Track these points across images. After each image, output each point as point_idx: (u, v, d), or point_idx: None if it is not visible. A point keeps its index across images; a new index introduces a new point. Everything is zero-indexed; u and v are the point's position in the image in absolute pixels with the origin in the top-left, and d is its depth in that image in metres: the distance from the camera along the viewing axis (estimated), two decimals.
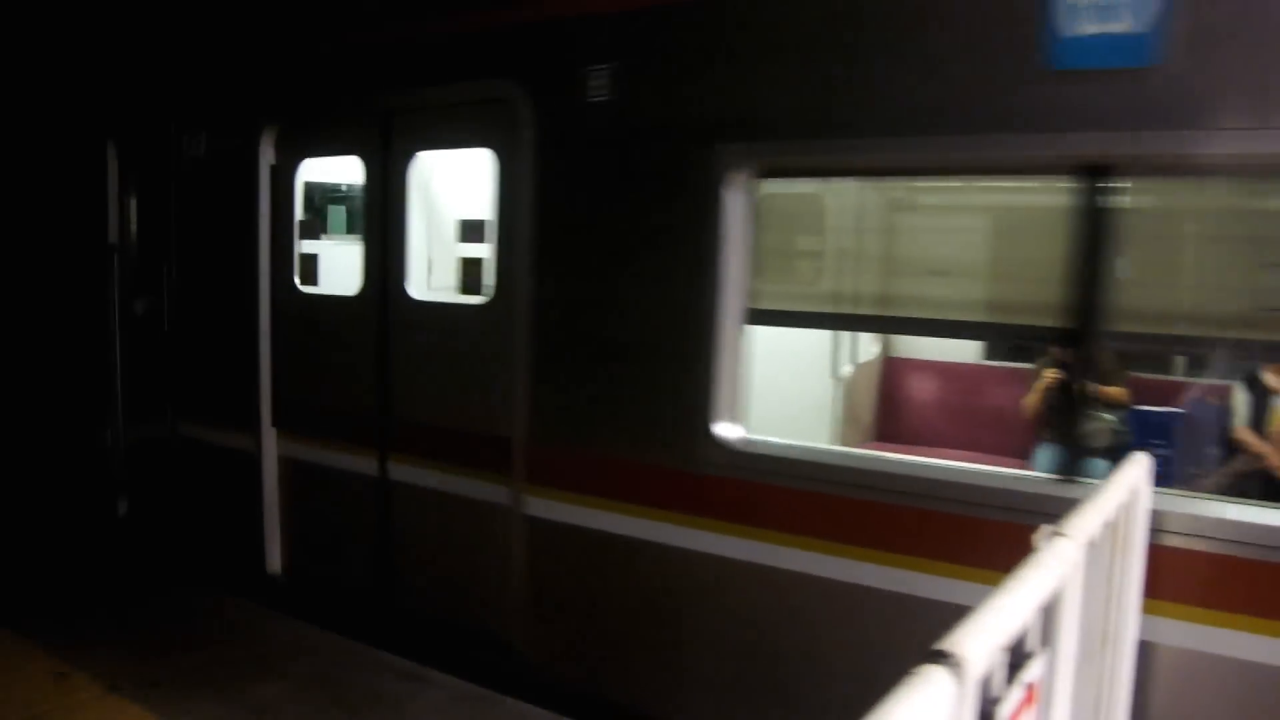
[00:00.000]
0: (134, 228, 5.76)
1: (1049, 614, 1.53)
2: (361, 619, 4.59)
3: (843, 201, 3.30)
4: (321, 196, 5.55)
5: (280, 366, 4.88)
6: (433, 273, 5.20)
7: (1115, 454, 5.03)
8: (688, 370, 3.43)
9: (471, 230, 4.82)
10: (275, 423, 4.93)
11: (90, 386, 5.88)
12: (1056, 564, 1.53)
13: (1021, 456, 5.35)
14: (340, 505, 4.70)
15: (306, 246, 4.90)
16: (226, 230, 5.07)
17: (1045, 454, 5.31)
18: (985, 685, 1.20)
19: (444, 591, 4.32)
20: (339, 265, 5.20)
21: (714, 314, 3.36)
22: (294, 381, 4.87)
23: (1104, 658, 2.08)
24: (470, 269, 4.35)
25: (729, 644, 3.42)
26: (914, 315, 3.22)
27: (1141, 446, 2.77)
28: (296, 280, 4.84)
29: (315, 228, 5.39)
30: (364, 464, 4.56)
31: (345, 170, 5.29)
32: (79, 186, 5.83)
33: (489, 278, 4.07)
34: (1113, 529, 2.02)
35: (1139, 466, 2.26)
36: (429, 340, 4.26)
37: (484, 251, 4.36)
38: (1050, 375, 5.16)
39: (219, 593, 4.95)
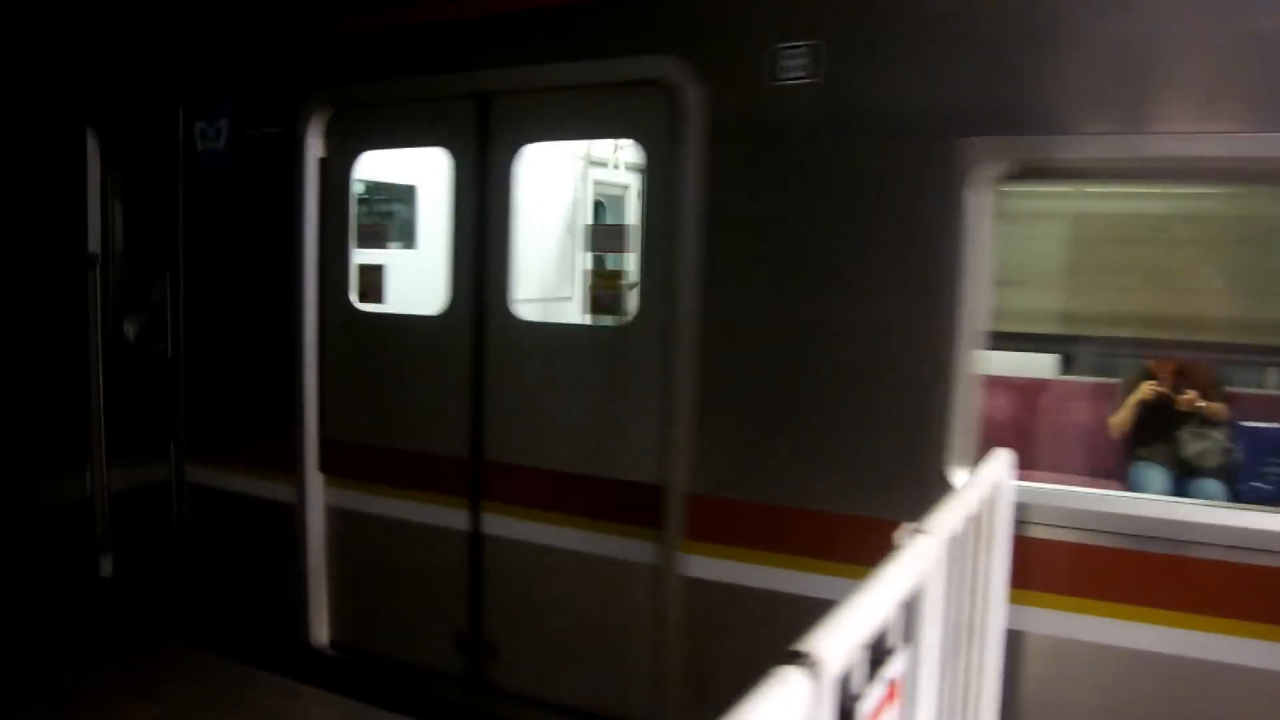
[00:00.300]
0: (120, 234, 4.84)
1: (911, 610, 1.55)
2: (436, 702, 3.86)
3: (1111, 207, 2.82)
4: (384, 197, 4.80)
5: (331, 400, 4.10)
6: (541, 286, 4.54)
7: (1223, 474, 4.77)
8: (916, 405, 2.88)
9: (606, 237, 4.12)
10: (323, 467, 4.14)
11: (63, 424, 4.91)
12: (916, 560, 1.55)
13: (1112, 477, 5.00)
14: (411, 565, 3.96)
15: (367, 257, 4.14)
16: (255, 237, 4.25)
17: (1144, 474, 4.98)
18: (845, 683, 1.22)
19: (555, 668, 3.63)
20: (413, 279, 4.44)
21: (950, 337, 2.83)
22: (349, 418, 4.09)
23: (971, 650, 2.13)
24: (605, 283, 3.69)
25: None
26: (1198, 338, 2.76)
27: (1252, 465, 2.61)
28: (353, 297, 4.06)
29: (380, 234, 4.58)
30: (447, 515, 3.83)
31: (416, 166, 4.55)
32: (49, 185, 4.86)
33: (629, 294, 3.42)
34: (976, 523, 2.07)
35: (1001, 461, 2.33)
36: (542, 369, 3.58)
37: (611, 263, 3.70)
38: (1147, 389, 4.85)
39: (245, 668, 4.14)
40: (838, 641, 1.19)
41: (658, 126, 3.28)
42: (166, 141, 4.50)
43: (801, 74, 3.01)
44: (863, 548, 2.98)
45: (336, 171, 4.03)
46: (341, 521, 4.13)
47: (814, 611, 2.89)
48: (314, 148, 4.02)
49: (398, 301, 4.04)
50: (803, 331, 3.06)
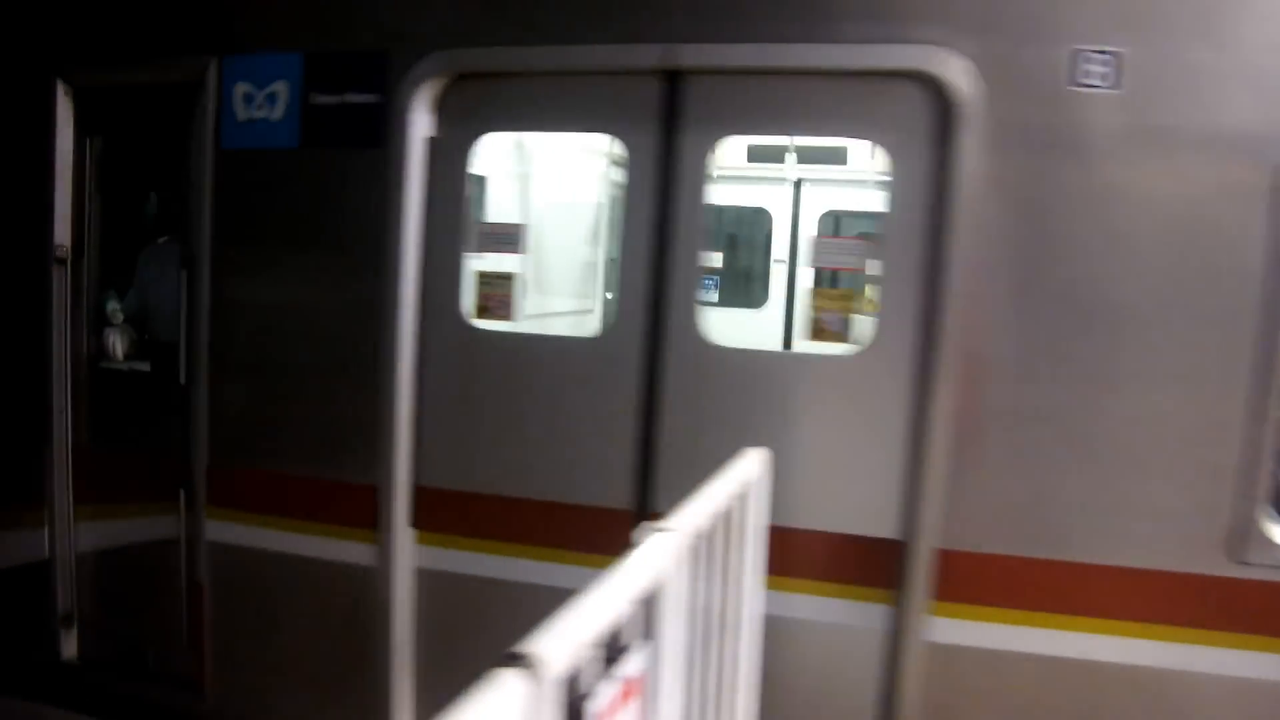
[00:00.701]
0: (98, 221, 3.82)
1: (650, 606, 1.58)
2: None
3: None
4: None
5: (431, 439, 3.35)
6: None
7: None
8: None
9: (840, 253, 3.51)
10: (416, 521, 3.38)
11: (13, 465, 3.79)
12: (654, 558, 1.58)
13: None
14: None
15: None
16: (324, 233, 3.43)
17: None
18: (574, 683, 1.23)
19: None
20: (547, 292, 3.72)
21: None
22: (455, 461, 3.36)
23: (724, 644, 2.20)
24: (833, 305, 3.14)
25: None
26: None
27: None
28: (466, 311, 3.34)
29: (507, 238, 3.75)
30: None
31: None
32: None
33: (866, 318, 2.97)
34: (726, 519, 2.13)
35: (754, 458, 2.40)
36: (738, 402, 3.06)
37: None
38: None
39: None
40: (560, 641, 1.18)
41: (913, 127, 2.85)
42: (185, 103, 3.56)
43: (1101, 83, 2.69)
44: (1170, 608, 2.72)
45: (451, 155, 3.30)
46: (440, 588, 3.38)
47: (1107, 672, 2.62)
48: (420, 124, 3.27)
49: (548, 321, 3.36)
50: (1093, 375, 2.74)
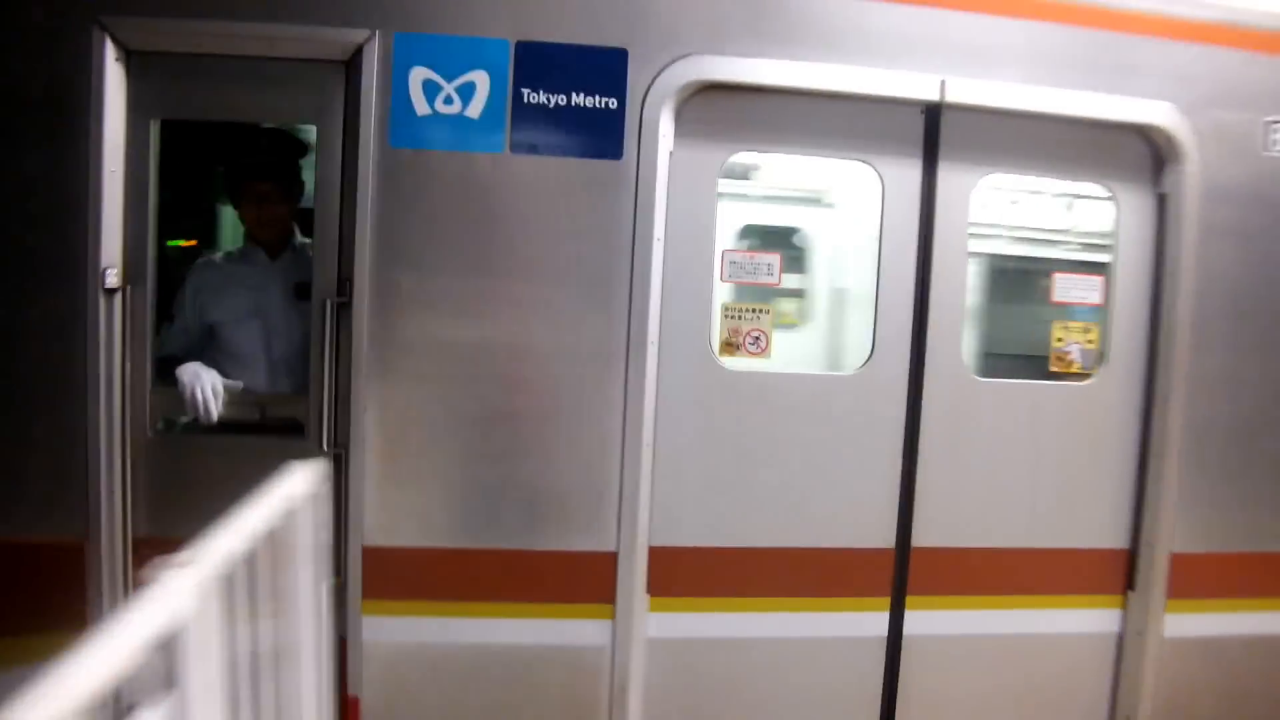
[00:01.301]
0: (153, 230, 2.79)
1: (169, 653, 1.43)
2: None
3: None
4: None
5: (666, 494, 3.01)
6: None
7: None
8: None
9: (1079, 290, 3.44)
10: (653, 587, 3.01)
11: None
12: (165, 597, 1.41)
13: None
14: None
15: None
16: (531, 260, 2.89)
17: None
18: None
19: None
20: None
21: None
22: (696, 515, 3.05)
23: (281, 677, 1.97)
24: (1077, 337, 3.16)
25: None
26: None
27: None
28: (715, 347, 3.04)
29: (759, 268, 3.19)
30: (850, 622, 3.15)
31: None
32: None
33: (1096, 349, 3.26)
34: (273, 541, 1.88)
35: (301, 475, 2.03)
36: (1001, 435, 3.20)
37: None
38: None
39: None
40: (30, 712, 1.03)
41: (1138, 178, 3.22)
42: (313, 85, 2.76)
43: None
44: None
45: (695, 172, 2.97)
46: (668, 656, 3.05)
47: None
48: (668, 135, 2.90)
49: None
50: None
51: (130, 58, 2.71)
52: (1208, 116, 3.20)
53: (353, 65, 2.77)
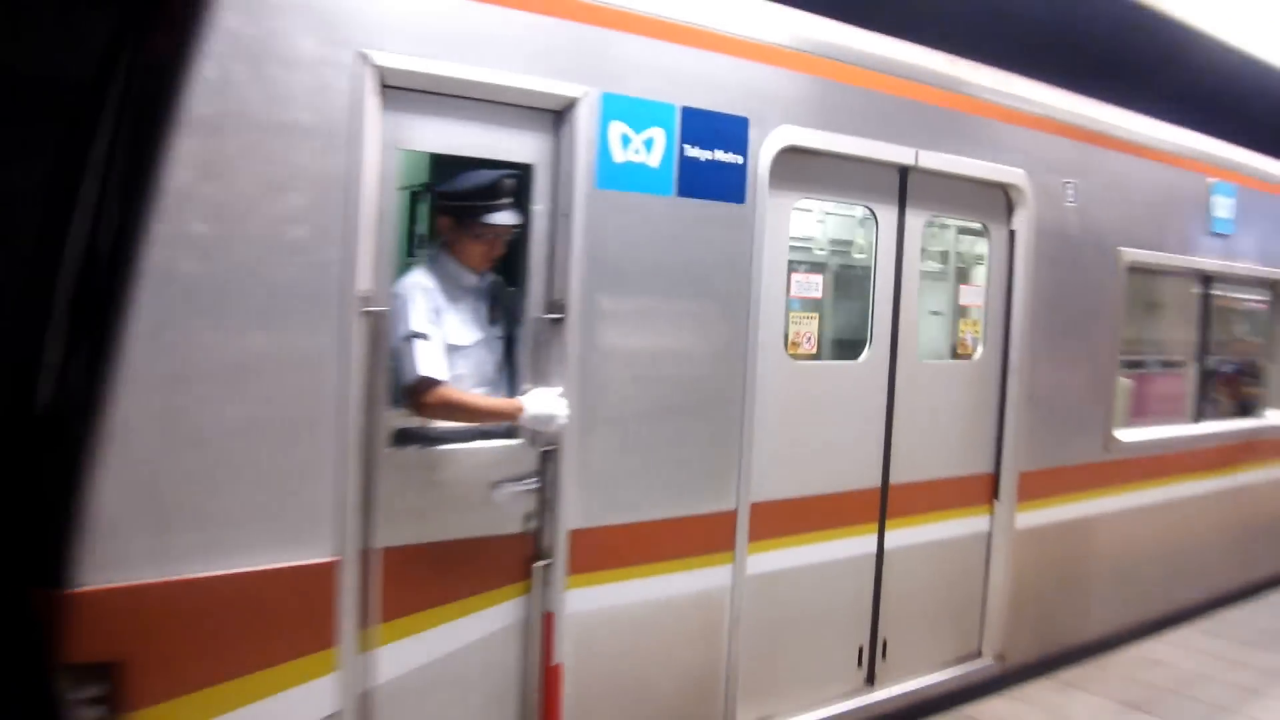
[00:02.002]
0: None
1: None
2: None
3: None
4: None
5: (761, 461, 3.96)
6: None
7: None
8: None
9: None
10: (751, 535, 3.95)
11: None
12: None
13: None
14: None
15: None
16: (688, 282, 3.64)
17: None
18: None
19: (929, 639, 4.75)
20: None
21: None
22: (786, 474, 4.04)
23: None
24: (971, 329, 4.34)
25: None
26: None
27: None
28: (786, 346, 4.02)
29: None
30: (852, 544, 4.38)
31: None
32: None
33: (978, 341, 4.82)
34: None
35: None
36: (931, 402, 4.61)
37: None
38: None
39: None
40: None
41: (1000, 219, 4.81)
42: (542, 127, 3.25)
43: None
44: None
45: (779, 215, 3.92)
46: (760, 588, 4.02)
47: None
48: (765, 184, 3.81)
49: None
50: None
51: (385, 91, 2.93)
52: (1039, 178, 4.87)
53: (565, 115, 3.27)
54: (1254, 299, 7.09)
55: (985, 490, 4.92)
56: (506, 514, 3.29)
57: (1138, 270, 5.62)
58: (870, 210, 4.33)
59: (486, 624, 3.30)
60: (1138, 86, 6.19)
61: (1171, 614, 6.19)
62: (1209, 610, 6.48)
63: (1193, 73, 7.40)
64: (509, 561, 3.33)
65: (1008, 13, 6.07)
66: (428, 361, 3.08)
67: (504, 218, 3.25)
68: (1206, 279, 6.42)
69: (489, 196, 3.21)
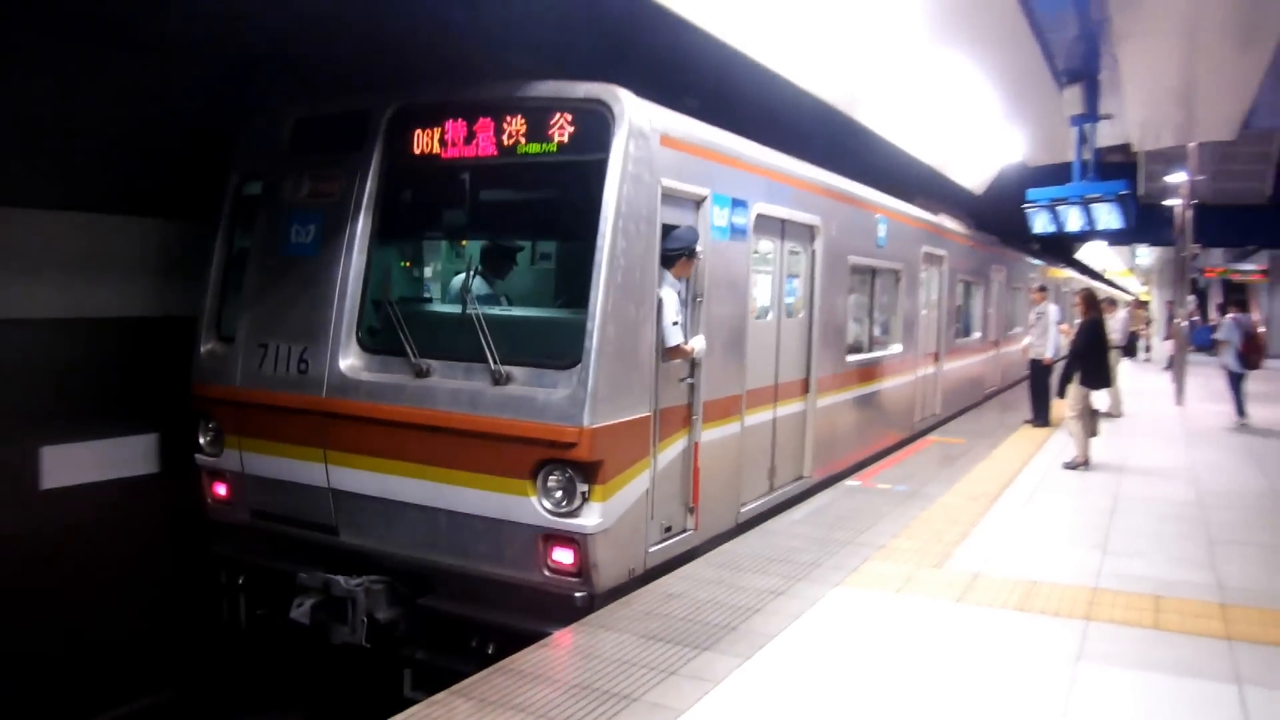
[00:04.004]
0: None
1: None
2: None
3: None
4: None
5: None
6: None
7: None
8: None
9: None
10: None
11: None
12: None
13: None
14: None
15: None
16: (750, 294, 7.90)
17: None
18: None
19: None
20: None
21: None
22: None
23: None
24: (794, 307, 8.81)
25: None
26: None
27: None
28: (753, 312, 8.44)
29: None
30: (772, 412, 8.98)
31: None
32: None
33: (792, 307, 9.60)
34: None
35: None
36: (779, 342, 9.31)
37: None
38: None
39: None
40: None
41: (808, 244, 9.63)
42: (696, 209, 7.31)
43: None
44: None
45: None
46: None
47: None
48: (750, 231, 8.16)
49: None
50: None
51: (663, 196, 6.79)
52: (824, 220, 9.75)
53: (701, 203, 7.32)
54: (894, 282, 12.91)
55: (803, 387, 9.74)
56: (683, 393, 7.30)
57: (854, 268, 10.85)
58: (773, 242, 8.85)
59: (680, 443, 7.29)
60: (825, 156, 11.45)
61: (867, 453, 11.67)
62: (881, 454, 12.11)
63: (862, 148, 13.04)
64: (682, 415, 7.34)
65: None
66: (677, 336, 6.99)
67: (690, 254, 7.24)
68: (874, 271, 11.94)
69: (687, 243, 7.15)
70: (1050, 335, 15.53)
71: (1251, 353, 16.62)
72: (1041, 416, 15.64)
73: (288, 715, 7.75)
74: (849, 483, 10.58)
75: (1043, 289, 16.44)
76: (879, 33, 10.91)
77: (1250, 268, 47.78)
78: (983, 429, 15.34)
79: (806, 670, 5.43)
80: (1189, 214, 22.79)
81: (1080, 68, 12.82)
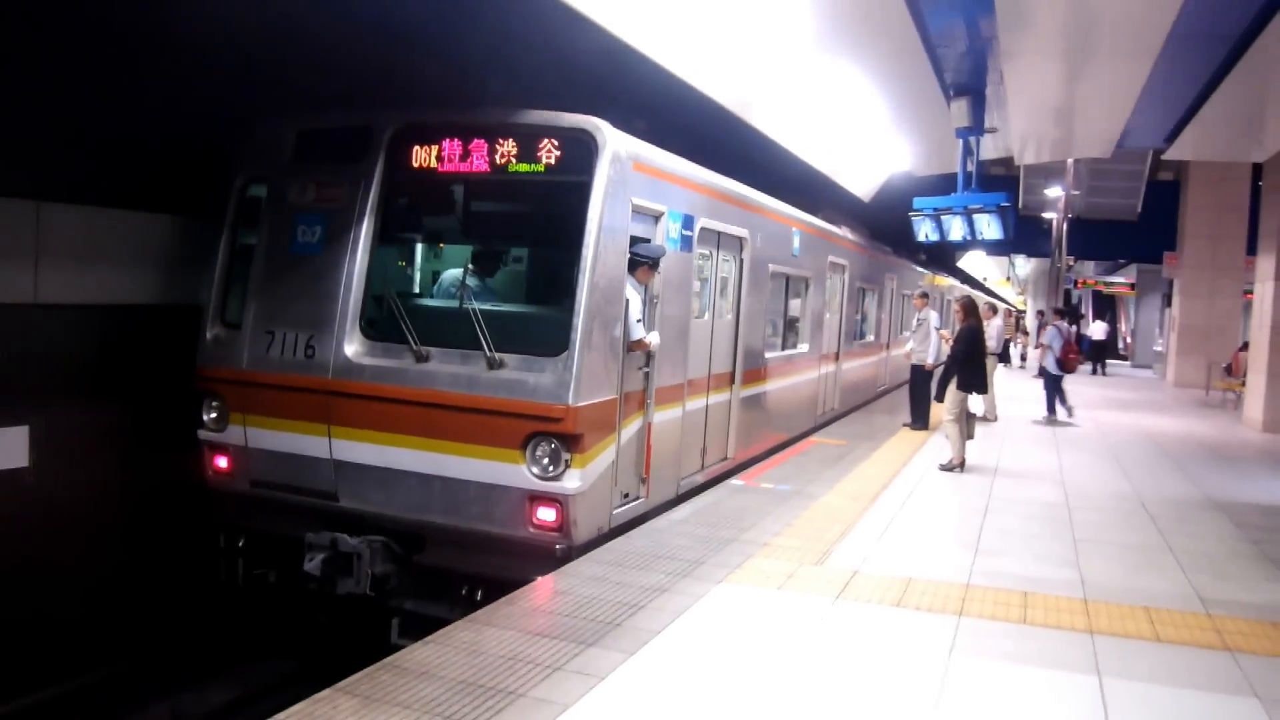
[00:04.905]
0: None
1: None
2: None
3: None
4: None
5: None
6: None
7: None
8: None
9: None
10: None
11: None
12: None
13: None
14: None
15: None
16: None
17: None
18: None
19: None
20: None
21: None
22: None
23: None
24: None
25: None
26: None
27: None
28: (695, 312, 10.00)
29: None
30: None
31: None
32: None
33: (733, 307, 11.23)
34: None
35: None
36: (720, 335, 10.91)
37: None
38: None
39: None
40: None
41: (738, 253, 11.26)
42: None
43: None
44: None
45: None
46: None
47: None
48: (694, 243, 9.71)
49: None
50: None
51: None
52: (752, 232, 11.37)
53: (659, 218, 8.82)
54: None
55: (729, 380, 11.34)
56: (640, 380, 8.78)
57: (773, 275, 12.53)
58: (711, 251, 10.41)
59: (637, 423, 8.74)
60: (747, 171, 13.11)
61: (776, 441, 13.35)
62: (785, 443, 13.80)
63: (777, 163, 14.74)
64: (639, 400, 8.81)
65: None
66: (639, 331, 8.46)
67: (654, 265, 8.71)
68: (788, 278, 13.66)
69: (657, 254, 8.63)
70: (932, 341, 16.55)
71: (1068, 357, 19.26)
72: (921, 420, 16.63)
73: (284, 662, 8.90)
74: (734, 481, 11.17)
75: (924, 295, 17.68)
76: (773, 39, 12.19)
77: (1120, 280, 52.04)
78: (863, 431, 16.24)
79: (690, 665, 5.66)
80: (1064, 227, 25.33)
81: (968, 82, 14.17)
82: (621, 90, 12.12)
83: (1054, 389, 19.39)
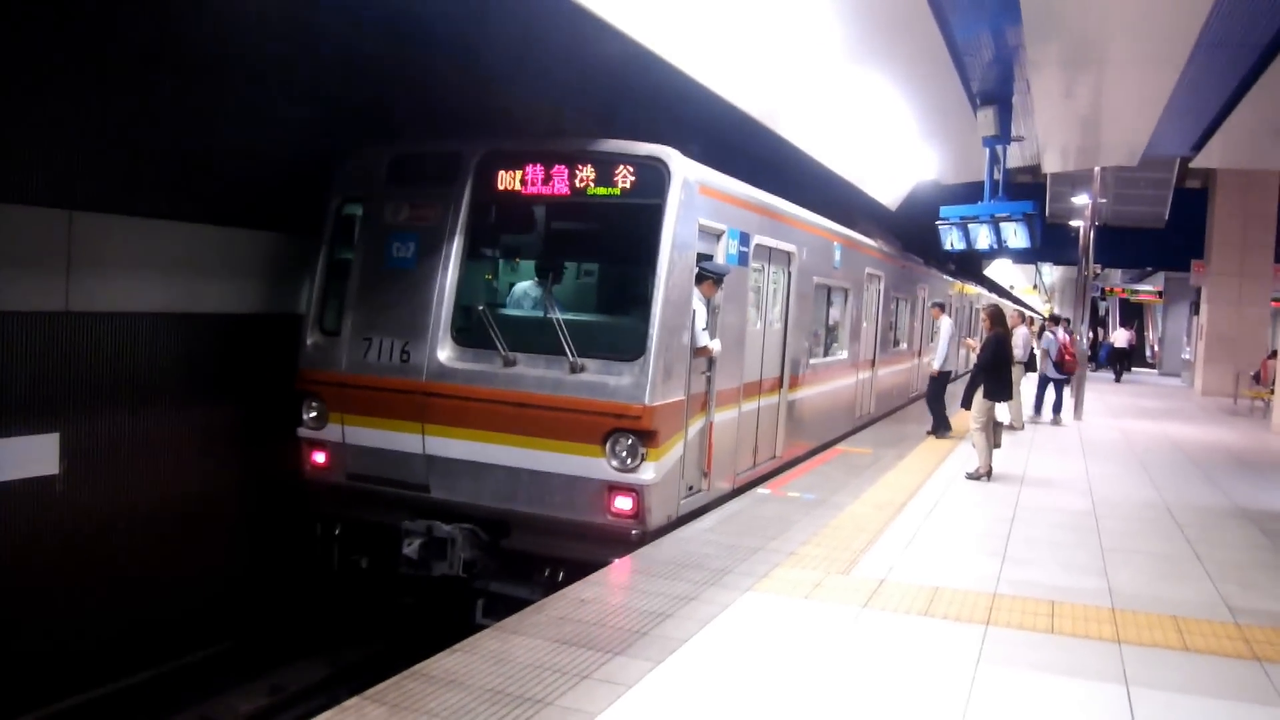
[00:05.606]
0: None
1: None
2: None
3: None
4: None
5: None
6: None
7: None
8: None
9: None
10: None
11: None
12: None
13: None
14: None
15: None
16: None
17: None
18: None
19: None
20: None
21: None
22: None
23: None
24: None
25: None
26: None
27: None
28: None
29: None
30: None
31: None
32: None
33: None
34: None
35: None
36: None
37: None
38: None
39: None
40: None
41: (787, 266, 12.24)
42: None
43: None
44: None
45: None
46: None
47: None
48: (750, 259, 10.71)
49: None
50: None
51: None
52: (799, 247, 12.36)
53: (720, 236, 9.82)
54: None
55: (778, 383, 12.32)
56: (703, 383, 9.77)
57: (818, 286, 13.52)
58: (764, 265, 11.41)
59: (701, 422, 9.73)
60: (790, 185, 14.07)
61: (817, 442, 14.31)
62: (836, 441, 14.74)
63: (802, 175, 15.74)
64: (702, 401, 9.80)
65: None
66: (704, 339, 9.47)
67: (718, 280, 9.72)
68: (830, 289, 14.63)
69: (722, 272, 9.65)
70: (940, 348, 16.88)
71: (1064, 359, 20.45)
72: (942, 426, 16.69)
73: (372, 644, 9.92)
74: (760, 491, 11.20)
75: (939, 306, 17.85)
76: (802, 49, 12.98)
77: (1147, 288, 52.65)
78: (889, 440, 16.38)
79: (717, 674, 5.67)
80: (1091, 235, 26.08)
81: (995, 91, 14.64)
82: (644, 97, 13.06)
83: (1051, 390, 21.12)
